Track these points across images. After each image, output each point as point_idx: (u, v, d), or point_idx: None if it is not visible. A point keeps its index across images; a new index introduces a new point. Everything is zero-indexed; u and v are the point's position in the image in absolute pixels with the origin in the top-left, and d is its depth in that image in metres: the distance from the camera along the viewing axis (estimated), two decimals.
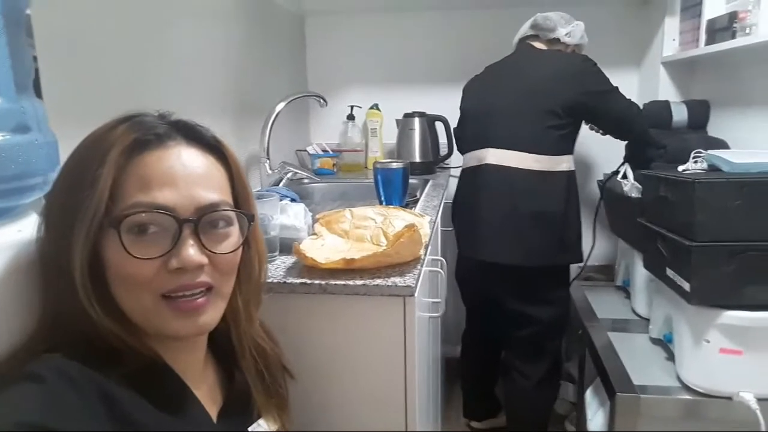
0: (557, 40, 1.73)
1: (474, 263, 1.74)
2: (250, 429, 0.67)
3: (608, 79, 1.65)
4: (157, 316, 0.55)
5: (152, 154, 0.55)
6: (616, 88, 1.66)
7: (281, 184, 1.72)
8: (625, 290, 1.88)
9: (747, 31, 1.48)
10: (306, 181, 1.91)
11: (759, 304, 1.19)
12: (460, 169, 1.84)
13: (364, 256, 0.90)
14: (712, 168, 1.35)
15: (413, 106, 2.19)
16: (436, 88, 2.33)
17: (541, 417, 1.83)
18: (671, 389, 1.31)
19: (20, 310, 0.55)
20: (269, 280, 0.89)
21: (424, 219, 1.11)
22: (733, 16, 1.53)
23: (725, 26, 1.56)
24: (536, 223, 1.61)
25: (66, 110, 0.81)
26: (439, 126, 2.16)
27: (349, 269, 0.91)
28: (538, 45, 1.75)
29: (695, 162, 1.40)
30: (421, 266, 0.96)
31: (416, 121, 2.14)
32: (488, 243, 1.66)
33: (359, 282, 0.88)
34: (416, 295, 0.89)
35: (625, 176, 1.70)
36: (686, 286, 1.22)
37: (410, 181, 1.43)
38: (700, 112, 1.89)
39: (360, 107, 2.36)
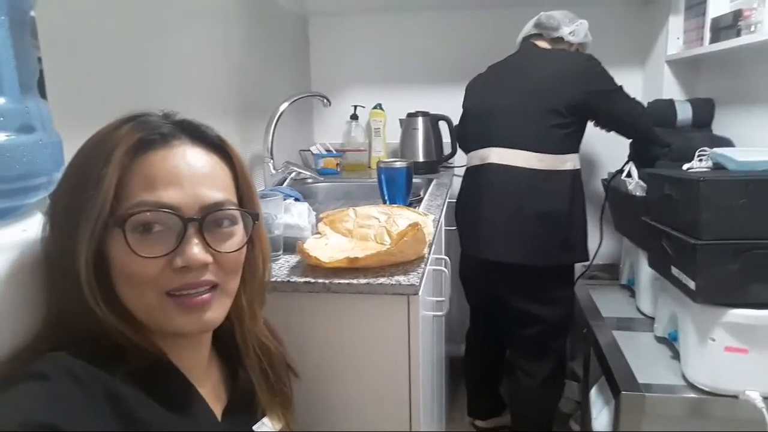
0: (561, 39, 1.73)
1: (478, 262, 1.74)
2: (254, 427, 0.67)
3: (612, 78, 1.64)
4: (162, 313, 0.55)
5: (157, 153, 0.55)
6: (621, 87, 1.66)
7: (285, 184, 1.72)
8: (630, 289, 1.87)
9: (752, 29, 1.47)
10: (309, 180, 1.91)
11: (764, 303, 1.18)
12: (464, 168, 1.84)
13: (367, 255, 0.90)
14: (717, 166, 1.34)
15: (416, 106, 2.19)
16: (440, 88, 2.33)
17: (546, 416, 1.82)
18: (676, 388, 1.31)
19: (25, 309, 0.55)
20: (273, 279, 0.89)
21: (427, 218, 1.11)
22: (737, 14, 1.52)
23: (730, 24, 1.56)
24: (541, 222, 1.61)
25: (70, 111, 0.82)
26: (443, 125, 2.16)
27: (352, 268, 0.91)
28: (541, 44, 1.74)
29: (700, 160, 1.40)
30: (425, 265, 0.96)
31: (419, 120, 2.14)
32: (492, 242, 1.66)
33: (363, 281, 0.88)
34: (420, 294, 0.89)
35: (629, 175, 1.69)
36: (691, 284, 1.21)
37: (414, 180, 1.43)
38: (704, 111, 1.88)
39: (363, 107, 2.36)
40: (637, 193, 1.62)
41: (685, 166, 1.41)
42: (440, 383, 1.57)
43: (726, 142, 1.71)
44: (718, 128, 1.85)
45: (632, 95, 1.69)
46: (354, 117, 2.36)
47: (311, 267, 0.94)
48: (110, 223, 0.53)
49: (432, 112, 2.16)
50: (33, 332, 0.54)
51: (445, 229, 1.69)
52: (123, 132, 0.55)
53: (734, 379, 1.22)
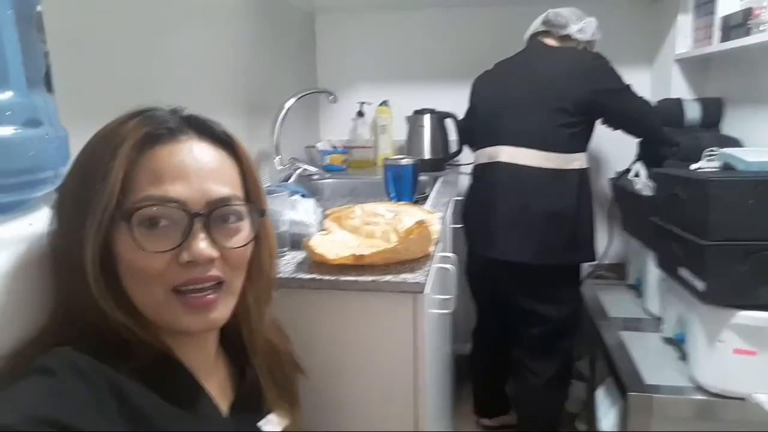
0: (569, 37, 1.71)
1: (484, 261, 1.73)
2: (260, 424, 0.67)
3: (620, 76, 1.63)
4: (168, 310, 0.55)
5: (164, 148, 0.55)
6: (629, 85, 1.64)
7: (291, 180, 1.72)
8: (637, 289, 1.86)
9: (762, 28, 1.46)
10: (316, 177, 1.91)
11: None
12: (472, 165, 1.84)
13: (373, 252, 0.90)
14: (726, 166, 1.33)
15: (423, 103, 2.18)
16: (446, 85, 2.32)
17: (552, 416, 1.82)
18: (684, 389, 1.30)
19: (32, 303, 0.55)
20: (279, 276, 0.89)
21: (434, 215, 1.11)
22: (747, 13, 1.51)
23: (740, 23, 1.54)
24: (548, 222, 1.60)
25: (77, 105, 0.81)
26: (449, 123, 2.15)
27: (358, 265, 0.91)
28: (549, 41, 1.73)
29: (709, 160, 1.39)
30: (432, 263, 0.96)
31: (426, 118, 2.13)
32: (499, 241, 1.65)
33: (369, 278, 0.87)
34: (426, 291, 0.88)
35: (637, 174, 1.68)
36: (700, 285, 1.20)
37: (420, 178, 1.42)
38: (713, 110, 1.86)
39: (370, 104, 2.35)
40: (645, 193, 1.61)
41: (694, 166, 1.39)
42: (446, 381, 1.56)
43: (735, 142, 1.69)
44: (728, 128, 1.84)
45: (640, 94, 1.67)
46: (360, 114, 2.36)
47: (317, 264, 0.94)
48: (117, 217, 0.53)
49: (438, 109, 2.15)
50: (40, 326, 0.54)
51: (451, 227, 1.69)
52: (130, 126, 0.55)
53: (743, 382, 1.21)
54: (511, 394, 2.02)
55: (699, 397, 1.26)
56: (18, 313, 0.53)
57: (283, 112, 1.65)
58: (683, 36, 1.96)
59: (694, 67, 2.00)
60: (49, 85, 0.72)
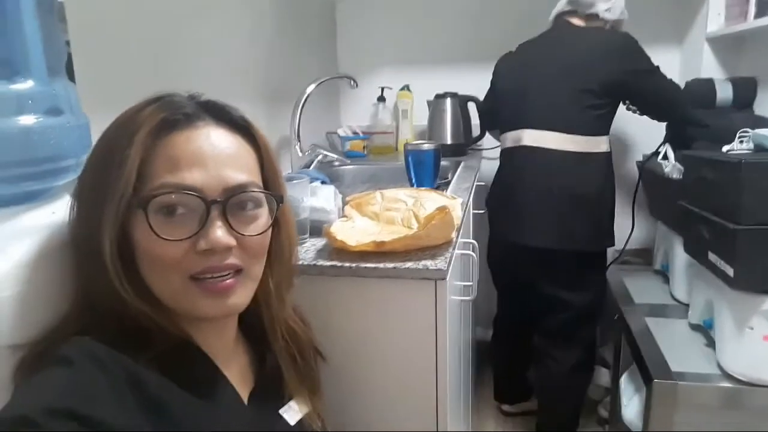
0: (596, 16, 1.66)
1: (508, 246, 1.71)
2: (280, 411, 0.67)
3: (650, 57, 1.58)
4: (186, 297, 0.55)
5: (181, 134, 0.55)
6: (658, 67, 1.60)
7: (312, 167, 1.72)
8: (664, 274, 1.82)
9: None
10: (336, 163, 1.90)
11: None
12: (492, 150, 1.81)
13: (394, 239, 0.89)
14: (759, 148, 1.29)
15: (445, 87, 2.15)
16: (468, 68, 2.28)
17: (574, 402, 1.80)
18: (711, 377, 1.27)
19: (54, 291, 0.56)
20: (299, 263, 0.89)
21: (456, 201, 1.09)
22: None
23: None
24: (573, 207, 1.57)
25: (98, 93, 0.82)
26: (472, 107, 2.12)
27: (379, 252, 0.90)
28: (575, 21, 1.68)
29: (741, 142, 1.34)
30: (453, 249, 0.95)
31: (448, 102, 2.10)
32: (523, 226, 1.63)
33: (390, 265, 0.87)
34: (448, 278, 0.87)
35: (665, 157, 1.64)
36: (729, 270, 1.17)
37: (442, 163, 1.41)
38: (746, 90, 1.80)
39: (391, 89, 2.33)
40: (674, 176, 1.56)
41: (725, 148, 1.35)
42: (467, 368, 1.56)
43: None
44: (761, 108, 1.77)
45: (669, 76, 1.63)
46: (381, 99, 2.34)
47: (337, 250, 0.93)
48: (133, 204, 0.53)
49: (461, 93, 2.12)
50: (62, 314, 0.55)
51: (473, 213, 1.67)
52: (147, 113, 0.55)
53: None
54: (531, 380, 2.01)
55: (726, 384, 1.24)
56: (40, 301, 0.54)
57: (304, 98, 1.64)
58: (715, 13, 1.88)
59: (726, 45, 1.93)
60: (70, 74, 0.73)
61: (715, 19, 1.89)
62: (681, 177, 1.53)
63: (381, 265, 0.87)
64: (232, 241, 0.55)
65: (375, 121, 2.34)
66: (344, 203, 1.11)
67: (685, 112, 1.65)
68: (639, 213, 1.80)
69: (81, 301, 0.55)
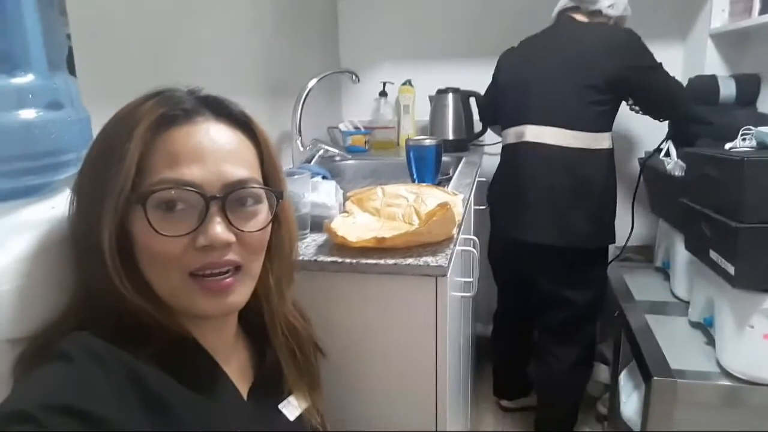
0: (599, 12, 1.65)
1: (509, 242, 1.71)
2: (279, 406, 0.67)
3: (653, 54, 1.58)
4: (185, 294, 0.55)
5: (180, 129, 0.55)
6: (660, 64, 1.59)
7: (313, 162, 1.72)
8: (665, 272, 1.82)
9: None
10: (337, 158, 1.90)
11: None
12: (493, 146, 1.81)
13: (395, 235, 0.89)
14: (762, 146, 1.28)
15: (447, 82, 2.15)
16: (470, 64, 2.27)
17: (573, 399, 1.81)
18: (710, 374, 1.27)
19: (54, 285, 0.56)
20: (300, 258, 0.89)
21: (457, 197, 1.09)
22: None
23: None
24: (575, 203, 1.57)
25: (98, 87, 0.81)
26: (473, 102, 2.11)
27: (380, 248, 0.90)
28: (579, 17, 1.68)
29: (743, 139, 1.34)
30: (454, 245, 0.95)
31: (450, 97, 2.10)
32: (525, 222, 1.63)
33: (390, 261, 0.87)
34: (449, 275, 0.87)
35: (668, 154, 1.63)
36: (731, 269, 1.17)
37: (443, 158, 1.40)
38: (749, 87, 1.79)
39: (392, 83, 2.33)
40: (676, 173, 1.56)
41: (728, 146, 1.35)
42: (467, 363, 1.56)
43: None
44: (765, 105, 1.77)
45: (672, 72, 1.62)
46: (383, 94, 2.33)
47: (338, 246, 0.93)
48: (132, 199, 0.52)
49: (462, 88, 2.11)
50: (61, 308, 0.55)
51: (474, 208, 1.67)
52: (146, 107, 0.55)
53: None
54: (531, 375, 2.01)
55: (725, 383, 1.24)
56: (40, 295, 0.54)
57: (305, 92, 1.63)
58: (719, 9, 1.88)
59: (729, 42, 1.92)
60: (71, 68, 0.72)
61: (719, 15, 1.88)
62: (683, 174, 1.52)
63: (382, 262, 0.87)
64: (232, 237, 0.55)
65: (376, 116, 2.34)
66: (345, 199, 1.11)
67: (688, 109, 1.64)
68: (640, 210, 1.80)
69: (81, 295, 0.55)
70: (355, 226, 1.00)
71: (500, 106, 1.78)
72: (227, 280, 0.56)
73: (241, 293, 0.58)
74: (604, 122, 1.60)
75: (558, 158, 1.58)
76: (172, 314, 0.56)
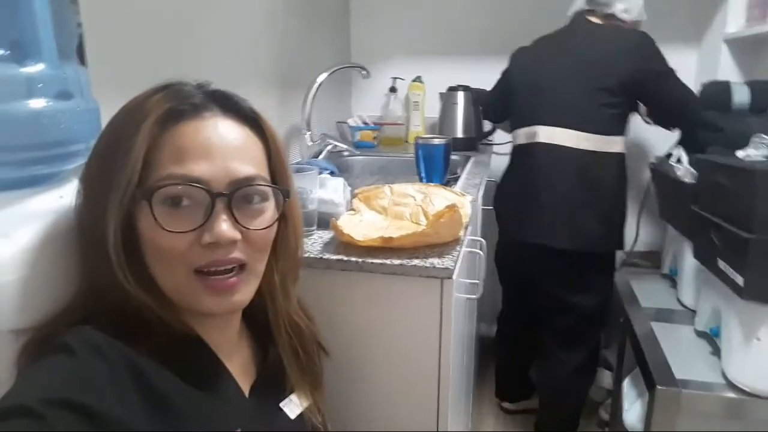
0: (613, 16, 1.64)
1: (516, 245, 1.70)
2: (281, 404, 0.67)
3: (666, 60, 1.56)
4: (190, 291, 0.54)
5: (188, 124, 0.54)
6: (673, 70, 1.57)
7: (321, 156, 1.71)
8: (672, 279, 1.81)
9: None
10: (346, 153, 1.89)
11: None
12: (503, 145, 1.79)
13: (402, 235, 0.88)
14: None
15: (458, 80, 2.13)
16: (482, 61, 2.25)
17: (576, 403, 1.80)
18: (715, 386, 1.26)
19: (59, 276, 0.55)
20: (305, 255, 0.88)
21: (465, 198, 1.08)
22: None
23: None
24: (585, 206, 1.56)
25: (109, 77, 0.81)
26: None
27: (386, 248, 0.89)
28: (594, 20, 1.66)
29: (756, 147, 1.32)
30: (461, 247, 0.94)
31: (460, 95, 2.08)
32: (535, 224, 1.62)
33: (396, 261, 0.86)
34: (454, 277, 0.87)
35: (678, 160, 1.61)
36: (739, 280, 1.15)
37: (452, 157, 1.39)
38: (764, 94, 1.76)
39: (403, 79, 2.31)
40: (687, 180, 1.54)
41: (740, 153, 1.33)
42: (469, 364, 1.56)
43: None
44: None
45: (685, 77, 1.60)
46: (393, 89, 2.32)
47: (344, 244, 0.93)
48: (138, 195, 0.52)
49: (473, 86, 2.10)
50: (66, 299, 0.55)
51: (482, 209, 1.66)
52: (154, 101, 0.54)
53: None
54: (533, 378, 2.00)
55: (730, 394, 1.22)
56: (45, 286, 0.54)
57: (315, 86, 1.63)
58: (735, 14, 1.85)
59: (744, 47, 1.90)
60: (81, 57, 0.72)
61: (734, 20, 1.86)
62: (694, 181, 1.50)
63: (388, 262, 0.86)
64: (237, 235, 0.55)
65: (386, 111, 2.32)
66: (353, 196, 1.10)
67: (699, 116, 1.62)
68: (648, 216, 1.78)
69: (85, 288, 0.55)
70: (362, 225, 1.00)
71: (511, 105, 1.77)
72: (231, 279, 0.56)
73: (245, 292, 0.58)
74: (616, 125, 1.58)
75: (570, 160, 1.56)
76: (175, 310, 0.56)
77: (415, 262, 0.86)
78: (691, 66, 2.09)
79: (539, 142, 1.60)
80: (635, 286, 1.80)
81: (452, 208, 0.91)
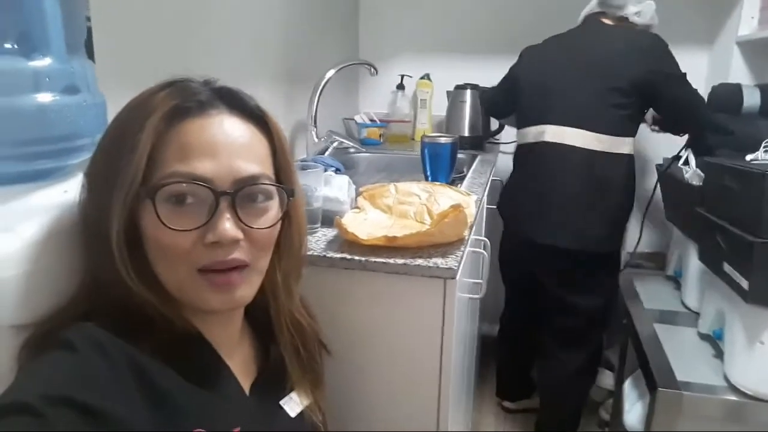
0: (626, 19, 1.63)
1: (523, 245, 1.69)
2: (281, 402, 0.67)
3: (677, 62, 1.55)
4: (193, 289, 0.54)
5: (193, 122, 0.54)
6: (685, 74, 1.56)
7: (327, 153, 1.71)
8: (676, 281, 1.80)
9: None
10: (352, 150, 1.89)
11: None
12: (510, 144, 1.79)
13: (406, 235, 0.88)
14: None
15: (465, 78, 2.13)
16: (491, 60, 2.24)
17: (576, 403, 1.80)
18: (717, 388, 1.25)
19: (62, 272, 0.55)
20: (309, 253, 0.89)
21: (470, 198, 1.08)
22: None
23: None
24: (592, 206, 1.55)
25: (116, 71, 0.81)
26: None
27: (390, 247, 0.89)
28: (606, 21, 1.65)
29: (766, 152, 1.31)
30: (465, 247, 0.94)
31: (468, 93, 2.08)
32: (541, 224, 1.61)
33: (400, 261, 0.86)
34: (458, 277, 0.87)
35: (686, 162, 1.60)
36: (744, 283, 1.15)
37: (458, 156, 1.39)
38: None
39: (411, 77, 2.31)
40: (694, 182, 1.53)
41: (749, 157, 1.32)
42: (471, 363, 1.56)
43: None
44: None
45: (696, 79, 1.59)
46: (400, 87, 2.31)
47: (348, 243, 0.93)
48: (142, 193, 0.52)
49: (481, 84, 2.09)
50: (69, 295, 0.55)
51: (487, 207, 1.66)
52: (160, 97, 0.54)
53: None
54: (535, 378, 2.00)
55: (732, 398, 1.22)
56: (48, 281, 0.54)
57: (323, 83, 1.62)
58: (748, 16, 1.83)
59: (756, 50, 1.88)
60: (89, 51, 0.72)
61: (747, 22, 1.84)
62: (701, 184, 1.50)
63: (391, 261, 0.86)
64: (240, 234, 0.55)
65: (393, 109, 2.32)
66: (357, 194, 1.10)
67: (708, 122, 1.61)
68: (653, 217, 1.77)
69: (88, 284, 0.55)
70: (366, 223, 1.00)
71: (519, 103, 1.76)
72: (234, 276, 0.55)
73: (248, 288, 0.58)
74: (625, 127, 1.57)
75: (578, 159, 1.56)
76: (177, 308, 0.56)
77: (419, 261, 0.86)
78: (702, 68, 2.07)
79: (547, 142, 1.60)
80: (639, 287, 1.80)
81: (457, 208, 0.91)
